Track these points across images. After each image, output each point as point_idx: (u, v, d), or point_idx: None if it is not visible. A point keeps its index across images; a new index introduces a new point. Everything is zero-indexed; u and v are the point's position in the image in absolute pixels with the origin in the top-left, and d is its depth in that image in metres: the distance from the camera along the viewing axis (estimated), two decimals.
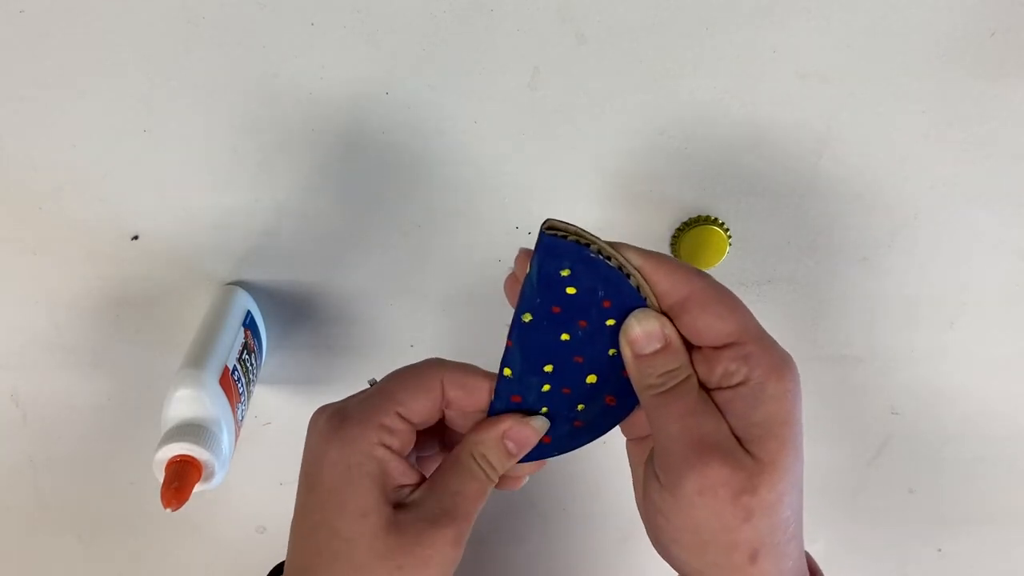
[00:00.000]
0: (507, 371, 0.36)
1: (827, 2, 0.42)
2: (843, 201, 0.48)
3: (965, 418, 0.59)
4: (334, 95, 0.43)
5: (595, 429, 0.38)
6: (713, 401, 0.34)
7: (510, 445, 0.36)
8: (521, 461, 0.38)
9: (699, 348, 0.34)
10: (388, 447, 0.35)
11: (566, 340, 0.35)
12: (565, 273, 0.34)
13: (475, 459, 0.36)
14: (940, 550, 0.66)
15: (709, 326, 0.34)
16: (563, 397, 0.37)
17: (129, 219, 0.47)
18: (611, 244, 0.34)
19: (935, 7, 0.42)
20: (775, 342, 0.34)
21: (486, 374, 0.37)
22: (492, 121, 0.45)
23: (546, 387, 0.36)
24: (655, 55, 0.43)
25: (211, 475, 0.41)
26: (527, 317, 0.35)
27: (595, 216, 0.48)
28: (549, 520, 0.65)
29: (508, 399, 0.37)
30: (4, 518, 0.60)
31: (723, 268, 0.50)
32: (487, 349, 0.53)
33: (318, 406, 0.37)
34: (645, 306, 0.34)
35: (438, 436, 0.40)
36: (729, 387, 0.33)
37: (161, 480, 0.40)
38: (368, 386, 0.38)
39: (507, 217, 0.48)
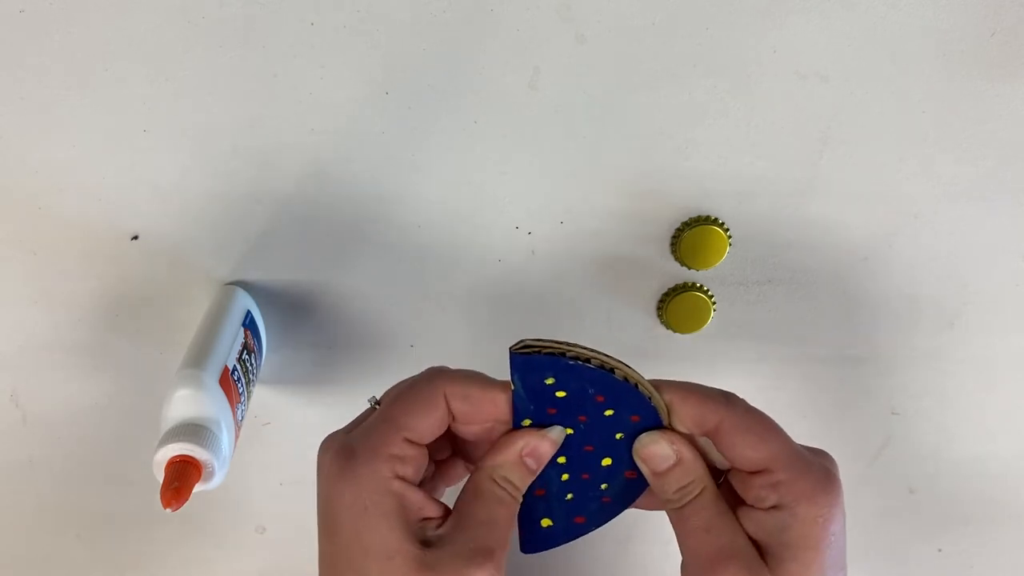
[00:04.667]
0: None
1: (827, 2, 0.42)
2: (843, 201, 0.48)
3: (965, 418, 0.59)
4: (334, 95, 0.43)
5: (624, 500, 0.38)
6: (751, 514, 0.35)
7: (529, 462, 0.36)
8: (559, 544, 0.38)
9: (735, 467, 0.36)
10: (402, 478, 0.34)
11: (571, 434, 0.36)
12: (550, 382, 0.35)
13: (497, 483, 0.36)
14: (940, 550, 0.66)
15: (738, 455, 0.35)
16: (584, 482, 0.37)
17: (129, 219, 0.47)
18: (607, 356, 0.35)
19: (935, 7, 0.42)
20: (812, 464, 0.35)
21: (490, 383, 0.36)
22: (492, 121, 0.45)
23: (565, 476, 0.37)
24: (655, 55, 0.43)
25: (211, 475, 0.41)
26: (527, 422, 0.36)
27: (595, 216, 0.48)
28: None
29: (533, 493, 0.37)
30: (4, 518, 0.60)
31: (723, 268, 0.50)
32: (488, 349, 0.53)
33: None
34: (637, 392, 0.35)
35: (448, 440, 0.39)
36: (762, 509, 0.34)
37: (161, 480, 0.40)
38: (368, 405, 0.37)
39: (507, 217, 0.48)
